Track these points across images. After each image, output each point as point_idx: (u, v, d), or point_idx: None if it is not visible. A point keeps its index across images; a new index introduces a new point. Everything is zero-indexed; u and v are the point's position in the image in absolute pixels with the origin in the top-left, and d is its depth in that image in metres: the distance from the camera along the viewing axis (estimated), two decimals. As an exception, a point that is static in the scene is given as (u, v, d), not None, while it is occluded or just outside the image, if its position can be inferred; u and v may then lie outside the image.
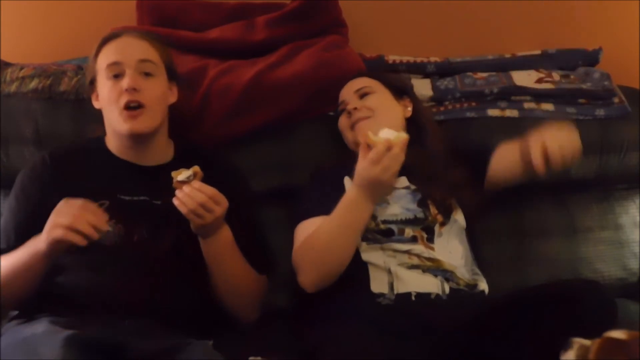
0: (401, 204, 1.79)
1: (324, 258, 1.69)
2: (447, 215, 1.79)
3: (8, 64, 2.09)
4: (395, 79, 2.03)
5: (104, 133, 1.78)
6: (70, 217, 1.51)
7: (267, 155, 2.03)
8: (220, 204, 1.61)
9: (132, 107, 1.67)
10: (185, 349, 1.47)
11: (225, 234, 1.68)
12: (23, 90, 2.02)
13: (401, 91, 1.98)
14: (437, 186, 1.81)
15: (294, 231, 1.80)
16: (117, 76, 1.68)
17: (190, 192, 1.58)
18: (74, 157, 1.77)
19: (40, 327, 1.44)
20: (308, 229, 1.74)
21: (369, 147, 1.63)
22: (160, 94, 1.73)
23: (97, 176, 1.71)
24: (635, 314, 1.93)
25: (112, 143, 1.76)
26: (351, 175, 1.80)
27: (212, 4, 2.20)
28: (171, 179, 1.65)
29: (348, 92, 1.94)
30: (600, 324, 1.53)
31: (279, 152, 2.05)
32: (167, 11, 2.15)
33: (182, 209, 1.59)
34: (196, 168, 1.61)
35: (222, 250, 1.68)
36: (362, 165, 1.64)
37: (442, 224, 1.78)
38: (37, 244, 1.57)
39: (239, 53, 2.12)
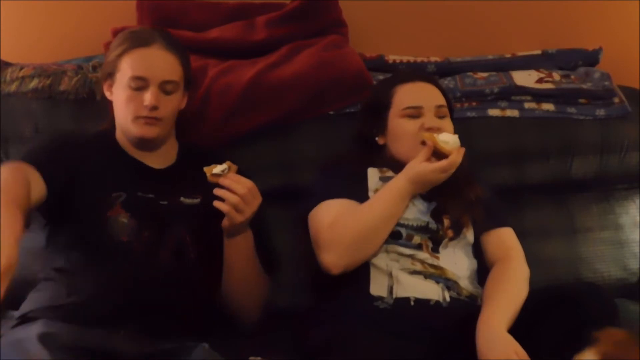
0: (418, 208, 1.78)
1: (364, 243, 1.69)
2: (458, 231, 1.79)
3: (8, 64, 2.09)
4: (451, 103, 1.94)
5: (110, 126, 1.77)
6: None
7: (267, 155, 2.03)
8: (257, 197, 1.61)
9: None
10: (184, 351, 1.48)
11: (250, 233, 1.68)
12: (23, 90, 2.02)
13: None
14: (456, 204, 1.79)
15: (304, 218, 1.79)
16: (139, 89, 1.67)
17: (231, 185, 1.57)
18: (86, 146, 1.74)
19: (35, 329, 1.44)
20: (332, 210, 1.73)
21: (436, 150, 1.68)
22: (175, 107, 1.74)
23: (109, 168, 1.71)
24: (635, 314, 1.94)
25: (122, 139, 1.76)
26: (375, 166, 1.81)
27: (212, 4, 2.20)
28: (176, 180, 1.65)
29: (428, 103, 1.83)
30: (602, 326, 1.53)
31: (279, 152, 2.05)
32: (167, 11, 2.15)
33: (223, 208, 1.58)
34: (229, 162, 1.61)
35: (247, 250, 1.69)
36: (430, 168, 1.68)
37: (451, 239, 1.77)
38: None
39: (239, 53, 2.12)
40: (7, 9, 2.19)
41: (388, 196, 1.72)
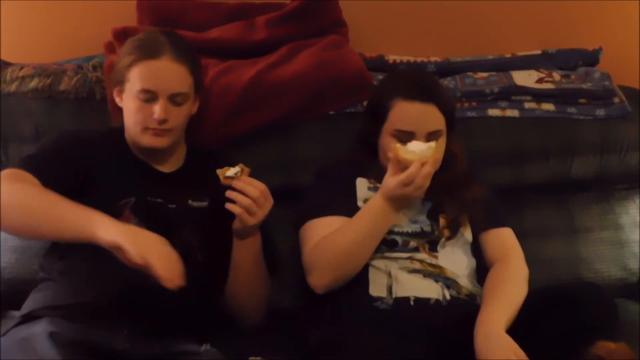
0: (410, 216, 1.77)
1: (343, 263, 1.68)
2: (455, 230, 1.78)
3: (8, 64, 2.09)
4: (454, 113, 1.84)
5: (120, 125, 1.76)
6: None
7: (267, 155, 2.03)
8: (269, 200, 1.61)
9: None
10: (185, 352, 1.48)
11: (259, 235, 1.68)
12: (23, 90, 2.02)
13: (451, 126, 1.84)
14: (452, 204, 1.79)
15: (297, 229, 1.80)
16: (148, 100, 1.66)
17: (244, 187, 1.57)
18: (95, 146, 1.72)
19: (39, 327, 1.45)
20: (320, 229, 1.73)
21: (399, 162, 1.62)
22: (186, 116, 1.73)
23: (119, 172, 1.69)
24: (635, 314, 1.94)
25: (132, 142, 1.75)
26: (364, 176, 1.80)
27: (212, 4, 2.20)
28: (184, 183, 1.65)
29: (421, 129, 1.73)
30: (602, 326, 1.54)
31: (279, 152, 2.05)
32: (167, 11, 2.15)
33: (235, 210, 1.58)
34: (241, 165, 1.61)
35: (255, 251, 1.69)
36: (393, 183, 1.61)
37: (448, 238, 1.78)
38: None
39: (239, 53, 2.12)
40: (7, 9, 2.19)
41: (366, 215, 1.69)
